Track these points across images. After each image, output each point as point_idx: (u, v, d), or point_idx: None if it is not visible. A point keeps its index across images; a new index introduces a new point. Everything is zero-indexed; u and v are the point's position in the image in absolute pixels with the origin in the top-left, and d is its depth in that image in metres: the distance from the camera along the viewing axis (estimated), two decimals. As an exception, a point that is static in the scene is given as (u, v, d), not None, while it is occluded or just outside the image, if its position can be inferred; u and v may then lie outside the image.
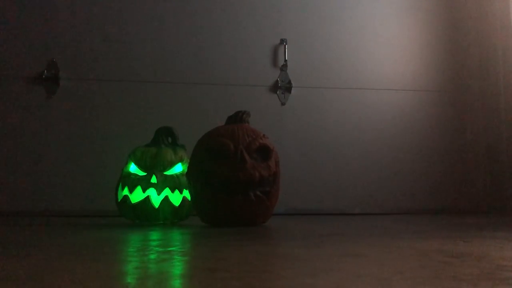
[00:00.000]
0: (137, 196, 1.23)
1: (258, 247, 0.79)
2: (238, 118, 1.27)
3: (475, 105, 1.91)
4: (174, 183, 1.25)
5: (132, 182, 1.24)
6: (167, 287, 0.46)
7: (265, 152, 1.19)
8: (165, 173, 1.26)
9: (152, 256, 0.66)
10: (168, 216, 1.25)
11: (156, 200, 1.23)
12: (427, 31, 1.93)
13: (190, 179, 1.21)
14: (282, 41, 1.83)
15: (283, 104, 1.81)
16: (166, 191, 1.24)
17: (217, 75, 1.79)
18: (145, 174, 1.25)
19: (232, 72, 1.80)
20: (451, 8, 1.95)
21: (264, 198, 1.16)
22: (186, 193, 1.27)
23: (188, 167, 1.24)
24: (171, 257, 0.65)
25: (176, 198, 1.26)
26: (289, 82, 1.82)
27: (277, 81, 1.82)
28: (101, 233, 1.03)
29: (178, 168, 1.29)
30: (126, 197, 1.24)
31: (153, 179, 1.23)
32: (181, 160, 1.30)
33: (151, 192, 1.23)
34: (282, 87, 1.81)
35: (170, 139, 1.37)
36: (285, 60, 1.82)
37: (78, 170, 1.66)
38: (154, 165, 1.26)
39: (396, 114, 1.87)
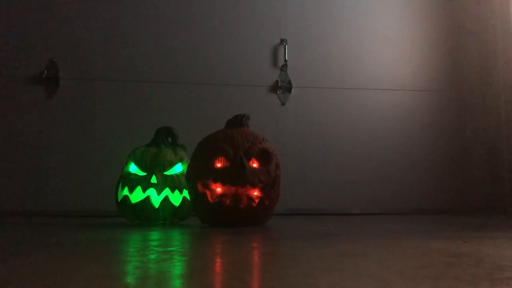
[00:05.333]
0: (137, 196, 1.23)
1: (258, 247, 0.79)
2: (237, 121, 1.27)
3: (475, 105, 1.91)
4: (174, 183, 1.25)
5: (132, 182, 1.24)
6: (167, 287, 0.46)
7: (265, 157, 1.19)
8: (165, 173, 1.26)
9: (152, 256, 0.66)
10: (168, 216, 1.25)
11: (156, 200, 1.23)
12: (427, 31, 1.93)
13: (189, 181, 1.21)
14: (282, 41, 1.83)
15: (283, 104, 1.81)
16: (166, 191, 1.24)
17: (217, 75, 1.79)
18: (145, 174, 1.25)
19: (232, 72, 1.80)
20: (451, 8, 1.95)
21: (264, 199, 1.16)
22: (186, 193, 1.27)
23: (188, 170, 1.24)
24: (171, 257, 0.65)
25: (176, 198, 1.26)
26: (289, 82, 1.82)
27: (277, 81, 1.81)
28: (101, 233, 1.03)
29: (178, 168, 1.29)
30: (126, 197, 1.24)
31: (153, 179, 1.23)
32: (181, 160, 1.30)
33: (151, 192, 1.23)
34: (282, 87, 1.81)
35: (170, 139, 1.37)
36: (285, 60, 1.82)
37: (78, 170, 1.66)
38: (154, 165, 1.26)
39: (396, 114, 1.86)
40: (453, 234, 0.97)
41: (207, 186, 1.16)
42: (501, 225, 1.22)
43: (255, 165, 1.17)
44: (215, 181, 1.15)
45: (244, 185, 1.14)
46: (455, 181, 1.86)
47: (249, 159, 1.16)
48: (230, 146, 1.17)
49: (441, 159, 1.86)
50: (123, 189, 1.26)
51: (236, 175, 1.13)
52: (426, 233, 1.01)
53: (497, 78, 1.90)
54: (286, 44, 1.82)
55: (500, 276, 0.50)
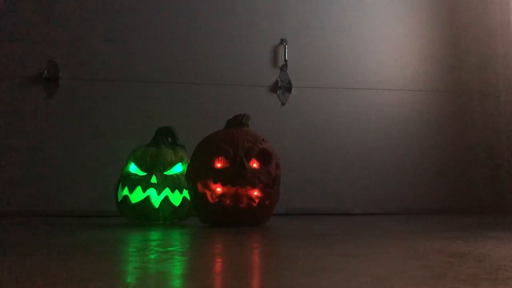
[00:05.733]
0: (137, 196, 1.23)
1: (258, 247, 0.79)
2: (237, 121, 1.27)
3: (475, 105, 1.91)
4: (174, 183, 1.25)
5: (132, 182, 1.24)
6: (167, 287, 0.46)
7: (265, 157, 1.19)
8: (165, 173, 1.26)
9: (152, 256, 0.66)
10: (168, 216, 1.25)
11: (156, 200, 1.23)
12: (427, 31, 1.93)
13: (189, 181, 1.21)
14: (282, 41, 1.83)
15: (283, 104, 1.81)
16: (166, 191, 1.24)
17: (217, 75, 1.79)
18: (145, 174, 1.25)
19: (232, 72, 1.80)
20: (451, 8, 1.95)
21: (264, 199, 1.16)
22: (186, 193, 1.27)
23: (188, 170, 1.23)
24: (171, 257, 0.65)
25: (176, 198, 1.26)
26: (289, 82, 1.81)
27: (277, 81, 1.81)
28: (101, 233, 1.03)
29: (178, 168, 1.29)
30: (126, 197, 1.24)
31: (153, 179, 1.23)
32: (181, 160, 1.30)
33: (151, 192, 1.23)
34: (282, 87, 1.81)
35: (170, 139, 1.37)
36: (285, 60, 1.82)
37: (78, 170, 1.66)
38: (154, 165, 1.26)
39: (396, 114, 1.86)
40: (453, 234, 0.97)
41: (207, 186, 1.16)
42: (501, 225, 1.22)
43: (255, 165, 1.17)
44: (215, 182, 1.15)
45: (244, 186, 1.14)
46: (455, 181, 1.86)
47: (249, 159, 1.16)
48: (230, 146, 1.17)
49: (441, 159, 1.86)
50: (123, 189, 1.26)
51: (236, 175, 1.13)
52: (426, 233, 1.01)
53: (497, 78, 1.90)
54: (286, 44, 1.82)
55: (500, 276, 0.50)
